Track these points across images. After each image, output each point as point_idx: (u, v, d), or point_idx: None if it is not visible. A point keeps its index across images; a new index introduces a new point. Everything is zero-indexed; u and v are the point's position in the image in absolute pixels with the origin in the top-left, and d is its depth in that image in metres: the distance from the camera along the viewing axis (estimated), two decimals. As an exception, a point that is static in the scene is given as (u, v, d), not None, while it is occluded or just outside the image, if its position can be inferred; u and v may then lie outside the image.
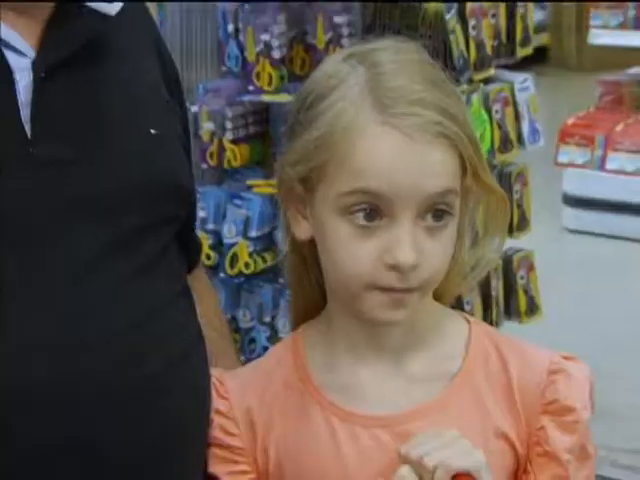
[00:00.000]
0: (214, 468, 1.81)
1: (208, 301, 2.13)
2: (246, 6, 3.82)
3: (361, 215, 1.66)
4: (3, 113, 1.71)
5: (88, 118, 1.77)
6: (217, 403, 1.84)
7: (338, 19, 3.77)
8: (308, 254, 1.81)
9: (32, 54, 1.74)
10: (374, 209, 1.66)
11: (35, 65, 1.72)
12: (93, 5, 1.78)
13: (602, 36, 6.61)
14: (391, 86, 1.68)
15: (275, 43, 3.80)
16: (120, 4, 1.80)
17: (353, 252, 1.67)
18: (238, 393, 1.82)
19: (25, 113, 1.71)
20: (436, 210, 1.68)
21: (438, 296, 1.83)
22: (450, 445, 1.66)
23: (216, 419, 1.83)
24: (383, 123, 1.65)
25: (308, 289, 1.85)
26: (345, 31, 3.77)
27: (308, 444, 1.76)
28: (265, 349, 3.51)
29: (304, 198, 1.75)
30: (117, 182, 1.77)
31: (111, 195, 1.76)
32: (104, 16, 1.79)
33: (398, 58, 1.74)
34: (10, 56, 1.72)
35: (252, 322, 3.84)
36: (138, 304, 1.77)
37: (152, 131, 1.83)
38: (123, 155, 1.79)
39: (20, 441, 1.69)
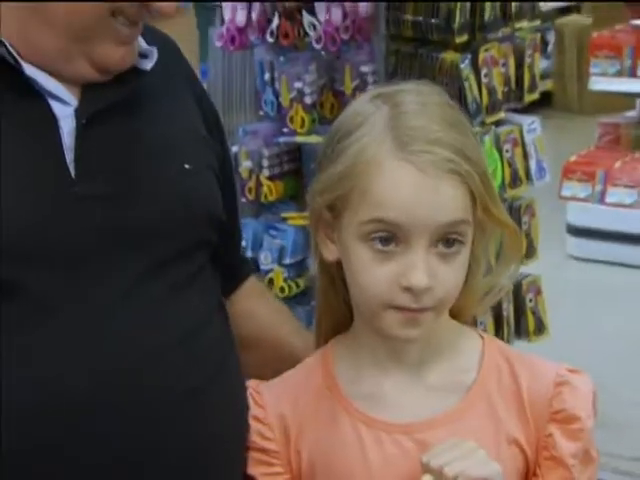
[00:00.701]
0: (252, 470, 1.80)
1: (268, 313, 2.13)
2: (281, 57, 3.83)
3: (379, 241, 1.67)
4: (49, 156, 1.71)
5: (126, 158, 1.77)
6: (254, 410, 1.84)
7: (364, 68, 3.77)
8: (336, 275, 1.80)
9: (75, 103, 1.74)
10: (391, 236, 1.66)
11: (77, 113, 1.73)
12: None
13: (601, 83, 6.59)
14: (411, 125, 1.69)
15: (307, 90, 3.80)
16: (154, 60, 1.81)
17: (372, 274, 1.67)
18: (273, 402, 1.82)
19: (69, 156, 1.71)
20: (447, 239, 1.68)
21: (454, 315, 1.81)
22: (469, 456, 1.65)
23: (253, 425, 1.83)
24: (401, 159, 1.66)
25: (336, 307, 1.84)
26: (370, 79, 3.76)
27: (337, 447, 1.76)
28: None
29: (331, 224, 1.74)
30: (153, 213, 1.76)
31: (148, 225, 1.76)
32: (140, 71, 1.80)
33: (420, 100, 1.74)
34: (55, 105, 1.72)
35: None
36: (176, 322, 1.76)
37: (186, 166, 1.82)
38: (158, 189, 1.78)
39: (69, 457, 1.68)
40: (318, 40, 3.73)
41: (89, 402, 1.67)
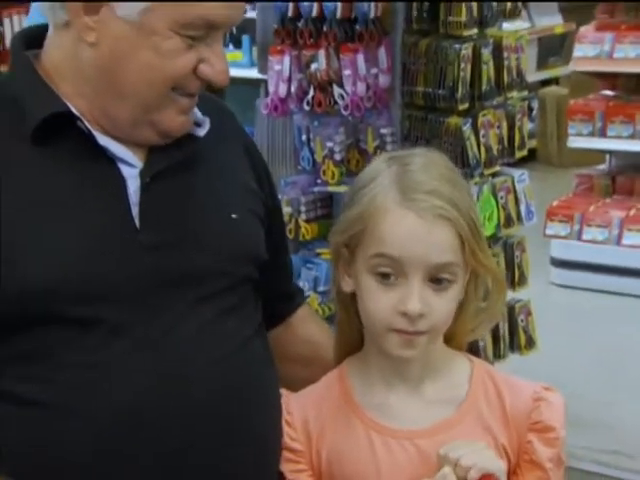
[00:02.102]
0: (282, 467, 1.77)
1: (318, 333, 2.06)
2: (315, 122, 3.84)
3: (382, 274, 1.66)
4: (119, 211, 1.68)
5: (182, 210, 1.73)
6: (284, 415, 1.81)
7: (383, 130, 3.78)
8: (350, 305, 1.77)
9: (139, 165, 1.71)
10: (392, 270, 1.66)
11: (142, 174, 1.70)
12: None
13: (577, 141, 6.51)
14: (414, 179, 1.68)
15: (337, 148, 3.81)
16: (207, 128, 1.78)
17: (377, 301, 1.67)
18: (299, 409, 1.78)
19: (135, 210, 1.69)
20: (439, 278, 1.67)
21: (448, 341, 1.79)
22: (480, 452, 1.65)
23: (284, 428, 1.81)
24: (403, 206, 1.65)
25: (348, 333, 1.81)
26: (388, 139, 3.78)
27: (351, 449, 1.73)
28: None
29: (348, 260, 1.73)
30: (204, 257, 1.73)
31: (200, 266, 1.72)
32: (195, 137, 1.77)
33: (424, 161, 1.74)
34: (123, 168, 1.70)
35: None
36: (222, 342, 1.73)
37: (233, 215, 1.78)
38: (209, 237, 1.75)
39: (143, 455, 1.65)
40: (346, 108, 3.73)
41: (156, 407, 1.65)
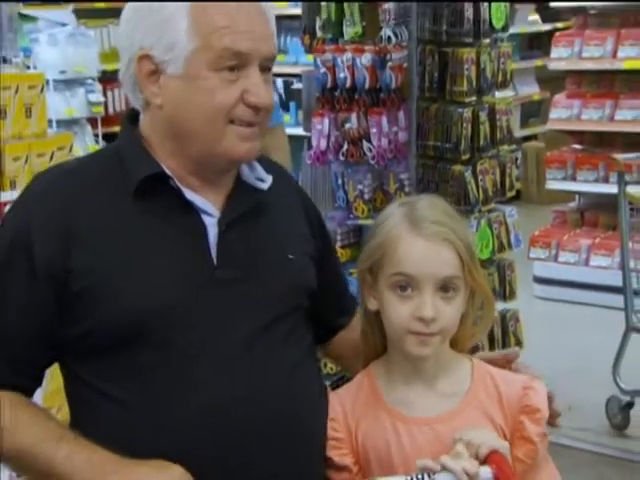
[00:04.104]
0: (329, 453, 1.71)
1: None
2: (349, 169, 3.85)
3: (400, 289, 1.65)
4: (200, 252, 1.65)
5: (252, 252, 1.69)
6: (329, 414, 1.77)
7: (402, 176, 3.79)
8: (374, 320, 1.73)
9: (217, 215, 1.67)
10: (408, 285, 1.64)
11: (219, 222, 1.67)
12: (252, 183, 1.73)
13: (553, 184, 6.53)
14: (420, 213, 1.67)
15: (365, 190, 3.82)
16: (269, 182, 1.73)
17: (397, 311, 1.65)
18: (339, 406, 1.73)
19: (213, 251, 1.65)
20: (446, 287, 1.65)
21: (454, 345, 1.75)
22: (487, 434, 1.62)
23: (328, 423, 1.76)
24: (413, 234, 1.65)
25: (372, 342, 1.76)
26: (406, 182, 3.79)
27: (381, 436, 1.69)
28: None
29: (371, 284, 1.70)
30: (268, 290, 1.68)
31: (264, 297, 1.67)
32: (260, 190, 1.73)
33: (428, 202, 1.73)
34: (205, 217, 1.66)
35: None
36: (283, 361, 1.67)
37: (290, 256, 1.74)
38: (272, 272, 1.70)
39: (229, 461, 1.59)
40: (373, 158, 3.75)
41: (228, 419, 1.59)
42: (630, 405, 4.32)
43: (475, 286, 1.69)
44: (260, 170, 1.75)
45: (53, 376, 2.66)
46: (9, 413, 1.55)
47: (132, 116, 1.73)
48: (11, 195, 2.67)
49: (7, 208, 2.61)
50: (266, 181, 1.74)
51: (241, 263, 1.66)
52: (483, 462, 1.54)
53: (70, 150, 2.89)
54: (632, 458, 4.11)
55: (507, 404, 1.69)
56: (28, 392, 1.64)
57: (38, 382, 1.67)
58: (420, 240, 1.64)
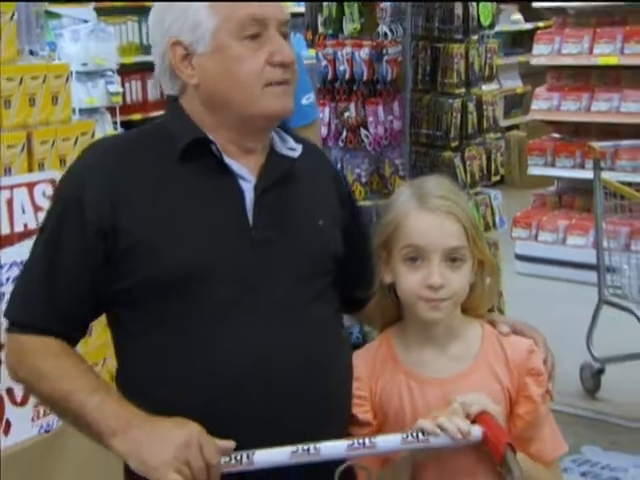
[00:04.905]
0: (354, 410, 1.69)
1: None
2: (347, 155, 3.81)
3: (411, 259, 1.64)
4: (237, 214, 1.64)
5: (285, 216, 1.68)
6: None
7: (397, 161, 3.76)
8: (389, 291, 1.72)
9: (253, 181, 1.66)
10: (418, 256, 1.63)
11: (255, 187, 1.66)
12: (285, 153, 1.70)
13: (534, 170, 6.53)
14: (427, 192, 1.66)
15: (363, 174, 3.79)
16: (300, 150, 1.71)
17: (409, 280, 1.64)
18: (361, 366, 1.71)
19: (250, 214, 1.64)
20: (453, 258, 1.64)
21: (467, 311, 1.72)
22: (483, 399, 1.59)
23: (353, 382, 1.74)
24: (421, 208, 1.64)
25: (387, 311, 1.75)
26: (400, 167, 3.76)
27: (396, 394, 1.67)
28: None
29: (386, 258, 1.69)
30: (299, 251, 1.67)
31: (297, 260, 1.66)
32: (292, 158, 1.71)
33: (434, 181, 1.71)
34: (242, 183, 1.66)
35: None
36: (314, 321, 1.65)
37: (320, 222, 1.72)
38: (303, 237, 1.68)
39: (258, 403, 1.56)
40: (369, 144, 3.75)
41: (262, 368, 1.57)
42: (601, 371, 4.36)
43: (481, 256, 1.67)
44: (291, 141, 1.74)
45: (99, 331, 2.67)
46: (53, 360, 1.58)
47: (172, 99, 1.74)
48: (38, 175, 2.65)
49: (36, 187, 2.67)
50: (297, 150, 1.73)
51: (275, 226, 1.66)
52: (474, 421, 1.53)
53: (92, 136, 2.88)
54: (603, 419, 4.15)
55: (513, 366, 1.67)
56: (73, 342, 1.65)
57: (82, 333, 1.68)
58: (427, 214, 1.64)
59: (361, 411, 1.67)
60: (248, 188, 1.66)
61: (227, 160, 1.65)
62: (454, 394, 1.59)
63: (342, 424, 1.66)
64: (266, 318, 1.59)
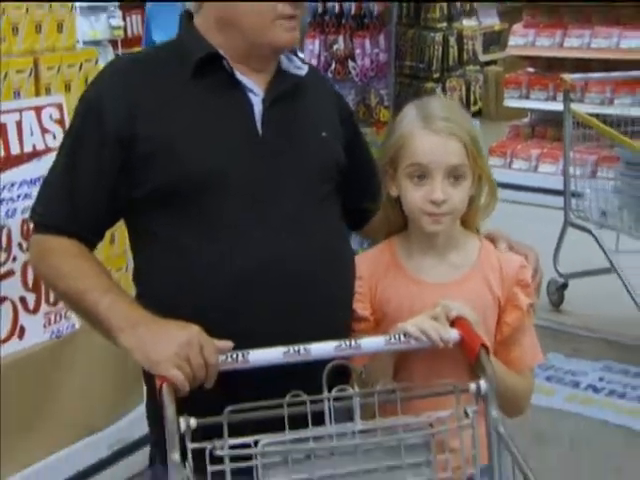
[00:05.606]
0: (354, 306, 1.67)
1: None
2: (336, 85, 3.66)
3: (416, 177, 1.62)
4: (247, 125, 1.62)
5: (291, 127, 1.66)
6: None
7: (382, 91, 3.75)
8: (395, 203, 1.69)
9: (261, 94, 1.64)
10: (422, 174, 1.61)
11: (264, 100, 1.64)
12: (292, 71, 1.69)
13: (509, 102, 6.51)
14: (431, 113, 1.63)
15: (350, 104, 3.59)
16: (306, 70, 1.70)
17: (413, 196, 1.62)
18: (363, 267, 1.69)
19: (259, 124, 1.62)
20: (454, 175, 1.61)
21: (465, 223, 1.70)
22: (465, 307, 1.56)
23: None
24: (425, 129, 1.62)
25: (393, 223, 1.72)
26: (385, 97, 3.74)
27: (395, 295, 1.66)
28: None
29: (392, 174, 1.67)
30: (305, 160, 1.65)
31: (304, 167, 1.65)
32: (298, 76, 1.69)
33: (438, 102, 1.69)
34: (251, 96, 1.63)
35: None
36: (319, 225, 1.64)
37: (323, 134, 1.70)
38: (309, 146, 1.67)
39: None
40: (357, 75, 3.73)
41: (271, 271, 1.55)
42: (565, 286, 4.44)
43: (480, 173, 1.65)
44: (297, 61, 1.72)
45: (122, 239, 2.77)
46: (71, 261, 1.59)
47: (188, 15, 1.73)
48: (45, 100, 2.63)
49: (44, 111, 2.64)
50: (303, 69, 1.71)
51: (282, 135, 1.64)
52: (453, 325, 1.53)
53: (96, 63, 2.85)
54: (566, 329, 4.23)
55: (505, 277, 1.67)
56: (90, 245, 1.65)
57: (100, 237, 1.68)
58: (430, 134, 1.61)
59: (360, 307, 1.68)
60: (257, 102, 1.64)
61: (238, 76, 1.64)
62: (450, 299, 1.59)
63: (345, 323, 1.66)
64: (275, 230, 1.58)
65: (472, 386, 1.44)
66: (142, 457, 1.77)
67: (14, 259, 2.53)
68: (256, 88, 1.65)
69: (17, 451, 2.53)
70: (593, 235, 4.19)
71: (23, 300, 2.58)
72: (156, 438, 1.62)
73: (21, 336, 2.58)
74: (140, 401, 1.71)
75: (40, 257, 1.64)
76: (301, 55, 1.81)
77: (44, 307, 2.62)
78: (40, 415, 2.61)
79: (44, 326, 2.63)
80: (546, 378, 3.75)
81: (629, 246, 4.09)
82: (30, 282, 2.57)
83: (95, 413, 2.76)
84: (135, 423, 2.75)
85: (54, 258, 1.61)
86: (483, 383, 1.44)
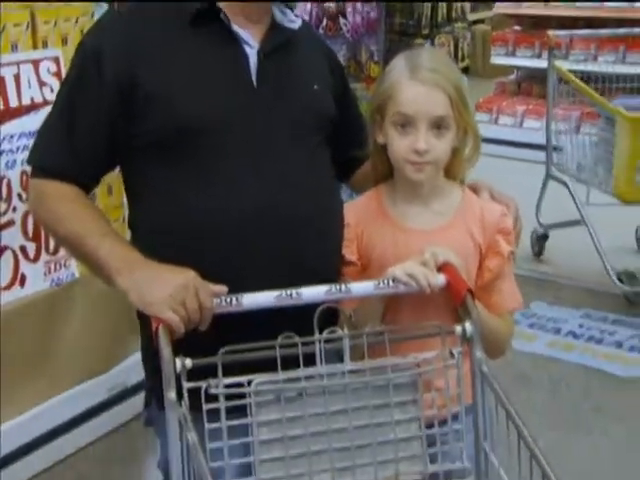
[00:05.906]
0: (343, 251, 1.67)
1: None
2: (327, 41, 3.70)
3: (401, 126, 1.61)
4: (242, 75, 1.61)
5: (285, 78, 1.65)
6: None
7: (372, 48, 3.75)
8: (381, 150, 1.68)
9: (257, 47, 1.63)
10: (407, 123, 1.60)
11: (259, 53, 1.63)
12: (286, 25, 1.67)
13: (496, 60, 6.45)
14: (419, 63, 1.62)
15: (341, 59, 3.51)
16: (299, 24, 1.70)
17: (398, 144, 1.62)
18: (351, 215, 1.70)
19: (254, 75, 1.62)
20: (438, 125, 1.60)
21: (449, 174, 1.69)
22: (450, 253, 1.55)
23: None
24: (412, 79, 1.60)
25: (380, 170, 1.72)
26: (376, 53, 3.74)
27: (381, 242, 1.66)
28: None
29: (380, 123, 1.66)
30: (299, 112, 1.64)
31: (296, 116, 1.63)
32: (292, 29, 1.68)
33: (428, 54, 1.67)
34: (246, 48, 1.63)
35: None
36: (310, 174, 1.63)
37: (315, 87, 1.70)
38: (302, 96, 1.66)
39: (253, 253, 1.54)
40: (348, 32, 3.70)
41: (267, 214, 1.55)
42: (545, 237, 4.48)
43: (465, 125, 1.63)
44: (290, 14, 1.71)
45: (114, 192, 2.77)
46: (69, 205, 1.58)
47: None
48: (42, 53, 2.59)
49: (41, 64, 2.61)
50: (296, 22, 1.70)
51: (276, 86, 1.63)
52: (439, 270, 1.53)
53: (92, 16, 2.81)
54: (548, 278, 4.27)
55: (487, 225, 1.67)
56: (87, 190, 1.64)
57: (96, 182, 1.68)
58: (417, 85, 1.59)
59: (348, 252, 1.68)
60: (252, 54, 1.63)
61: (234, 28, 1.63)
62: (433, 245, 1.59)
63: (336, 267, 1.66)
64: (269, 178, 1.57)
65: (458, 328, 1.45)
66: (140, 400, 1.77)
67: (14, 209, 2.52)
68: (251, 40, 1.64)
69: (19, 394, 2.55)
70: (568, 187, 4.20)
71: (23, 249, 2.58)
72: (151, 383, 1.62)
73: (22, 284, 2.58)
74: (138, 347, 1.70)
75: (39, 201, 1.63)
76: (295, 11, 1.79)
77: (44, 256, 2.62)
78: (41, 360, 2.63)
79: (44, 274, 2.63)
80: (529, 325, 3.78)
81: (602, 199, 4.06)
82: (30, 232, 2.57)
83: (94, 358, 2.78)
84: (133, 368, 2.76)
85: (52, 202, 1.60)
86: (468, 325, 1.45)
